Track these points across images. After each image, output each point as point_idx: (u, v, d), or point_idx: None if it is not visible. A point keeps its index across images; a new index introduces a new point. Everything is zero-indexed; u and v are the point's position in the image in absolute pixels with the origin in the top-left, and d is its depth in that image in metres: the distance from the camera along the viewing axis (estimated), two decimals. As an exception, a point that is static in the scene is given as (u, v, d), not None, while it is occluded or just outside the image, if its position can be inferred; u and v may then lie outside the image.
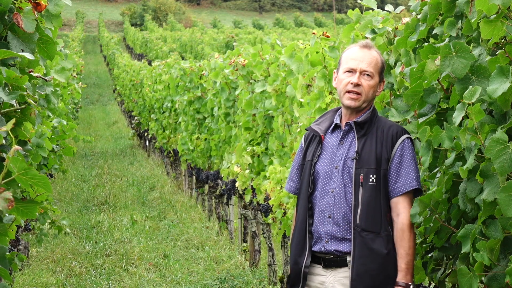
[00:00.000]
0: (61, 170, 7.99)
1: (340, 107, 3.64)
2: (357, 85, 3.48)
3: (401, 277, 3.37)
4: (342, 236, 3.44)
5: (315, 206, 3.52)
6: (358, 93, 3.49)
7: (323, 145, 3.58)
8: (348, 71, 3.52)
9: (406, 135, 3.47)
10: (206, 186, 11.20)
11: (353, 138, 3.51)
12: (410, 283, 3.37)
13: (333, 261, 3.47)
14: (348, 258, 3.44)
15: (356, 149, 3.46)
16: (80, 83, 11.80)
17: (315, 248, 3.51)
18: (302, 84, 5.25)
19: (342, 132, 3.55)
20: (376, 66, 3.51)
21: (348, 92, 3.50)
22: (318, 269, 3.52)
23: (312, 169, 3.55)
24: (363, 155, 3.44)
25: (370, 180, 3.40)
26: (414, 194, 3.43)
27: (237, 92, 7.61)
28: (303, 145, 3.69)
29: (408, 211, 3.39)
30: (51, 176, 10.94)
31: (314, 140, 3.62)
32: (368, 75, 3.49)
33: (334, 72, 3.65)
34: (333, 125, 3.60)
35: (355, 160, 3.44)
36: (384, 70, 3.58)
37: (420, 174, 3.53)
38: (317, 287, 3.52)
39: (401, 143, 3.44)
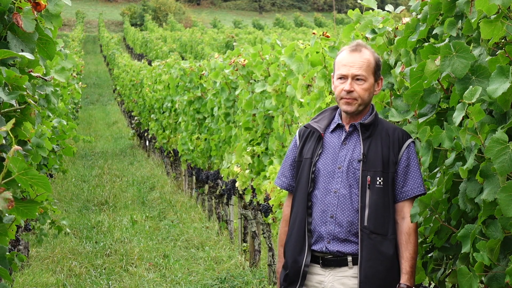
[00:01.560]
0: (61, 170, 7.98)
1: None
2: (350, 91, 3.48)
3: (405, 280, 3.36)
4: (345, 237, 3.44)
5: (315, 204, 3.51)
6: (353, 99, 3.49)
7: (323, 143, 3.57)
8: (341, 78, 3.51)
9: (411, 139, 3.49)
10: (206, 186, 11.20)
11: (357, 139, 3.50)
12: (413, 287, 3.38)
13: (333, 261, 3.46)
14: (349, 258, 3.43)
15: (362, 151, 3.45)
16: (80, 83, 11.81)
17: (315, 247, 3.50)
18: (302, 84, 5.24)
19: (345, 133, 3.55)
20: (368, 67, 3.49)
21: (343, 98, 3.50)
22: (316, 268, 3.51)
23: (313, 167, 3.53)
24: (370, 157, 3.44)
25: (377, 182, 3.41)
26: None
27: (237, 92, 7.61)
28: (297, 141, 3.66)
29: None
30: (51, 176, 10.94)
31: (312, 138, 3.60)
32: (360, 79, 3.47)
33: (332, 75, 3.65)
34: (334, 124, 3.59)
35: (361, 162, 3.44)
36: (379, 67, 3.55)
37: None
38: (315, 286, 3.51)
39: (407, 147, 3.46)
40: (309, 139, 3.61)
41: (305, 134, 3.65)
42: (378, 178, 3.41)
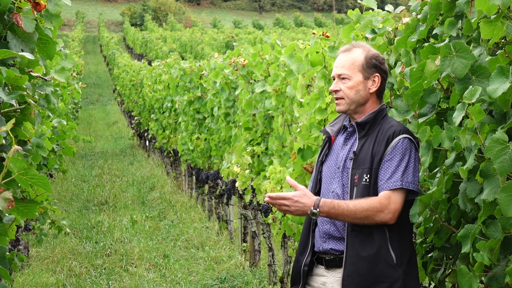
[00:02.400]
0: (61, 170, 7.99)
1: None
2: (335, 91, 3.53)
3: (322, 203, 3.33)
4: (339, 235, 3.46)
5: (319, 205, 3.54)
6: (340, 98, 3.52)
7: (332, 145, 3.62)
8: (333, 80, 3.58)
9: (404, 135, 3.40)
10: (206, 186, 11.20)
11: (355, 139, 3.52)
12: (317, 209, 3.32)
13: (333, 261, 3.48)
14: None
15: (354, 150, 3.47)
16: (80, 83, 11.81)
17: (316, 248, 3.54)
18: (302, 84, 5.24)
19: (346, 133, 3.57)
20: (352, 65, 3.49)
21: (334, 99, 3.57)
22: (321, 269, 3.54)
23: (320, 168, 3.60)
24: (361, 156, 3.44)
25: (364, 180, 3.40)
26: (409, 196, 3.39)
27: (237, 92, 7.61)
28: (322, 145, 3.74)
29: (393, 206, 3.30)
30: (51, 176, 10.94)
31: (328, 141, 3.66)
32: (344, 78, 3.51)
33: None
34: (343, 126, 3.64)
35: (352, 161, 3.45)
36: (373, 64, 3.50)
37: (420, 174, 3.51)
38: (319, 288, 3.54)
39: (395, 143, 3.39)
40: (327, 142, 3.67)
41: (325, 138, 3.70)
42: (365, 176, 3.40)
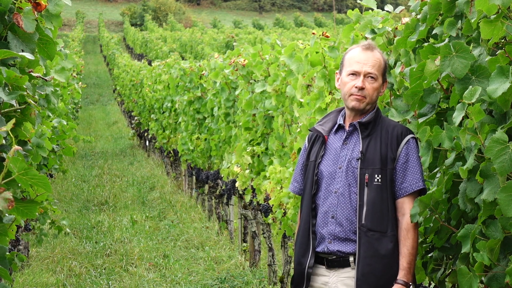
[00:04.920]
0: (61, 170, 7.99)
1: (343, 108, 3.64)
2: (361, 88, 3.48)
3: (401, 276, 3.37)
4: (345, 236, 3.45)
5: (319, 206, 3.53)
6: (363, 96, 3.49)
7: (326, 145, 3.59)
8: (352, 74, 3.51)
9: (411, 135, 3.47)
10: (206, 186, 11.20)
11: (357, 138, 3.51)
12: (410, 283, 3.37)
13: (336, 262, 3.47)
14: (351, 258, 3.44)
15: (360, 149, 3.46)
16: (80, 83, 11.81)
17: (319, 249, 3.51)
18: (302, 84, 5.24)
19: (346, 133, 3.56)
20: (379, 67, 3.51)
21: (353, 95, 3.51)
22: (322, 269, 3.52)
23: (316, 169, 3.55)
24: (368, 155, 3.44)
25: (375, 180, 3.40)
26: (419, 193, 3.43)
27: (237, 92, 7.61)
28: (306, 145, 3.70)
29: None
30: (51, 176, 10.94)
31: (318, 141, 3.63)
32: (372, 77, 3.49)
33: (337, 73, 3.65)
34: (336, 125, 3.61)
35: (359, 160, 3.44)
36: (386, 70, 3.58)
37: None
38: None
39: (406, 142, 3.45)
40: (315, 143, 3.64)
41: (312, 138, 3.67)
42: (376, 176, 3.41)
